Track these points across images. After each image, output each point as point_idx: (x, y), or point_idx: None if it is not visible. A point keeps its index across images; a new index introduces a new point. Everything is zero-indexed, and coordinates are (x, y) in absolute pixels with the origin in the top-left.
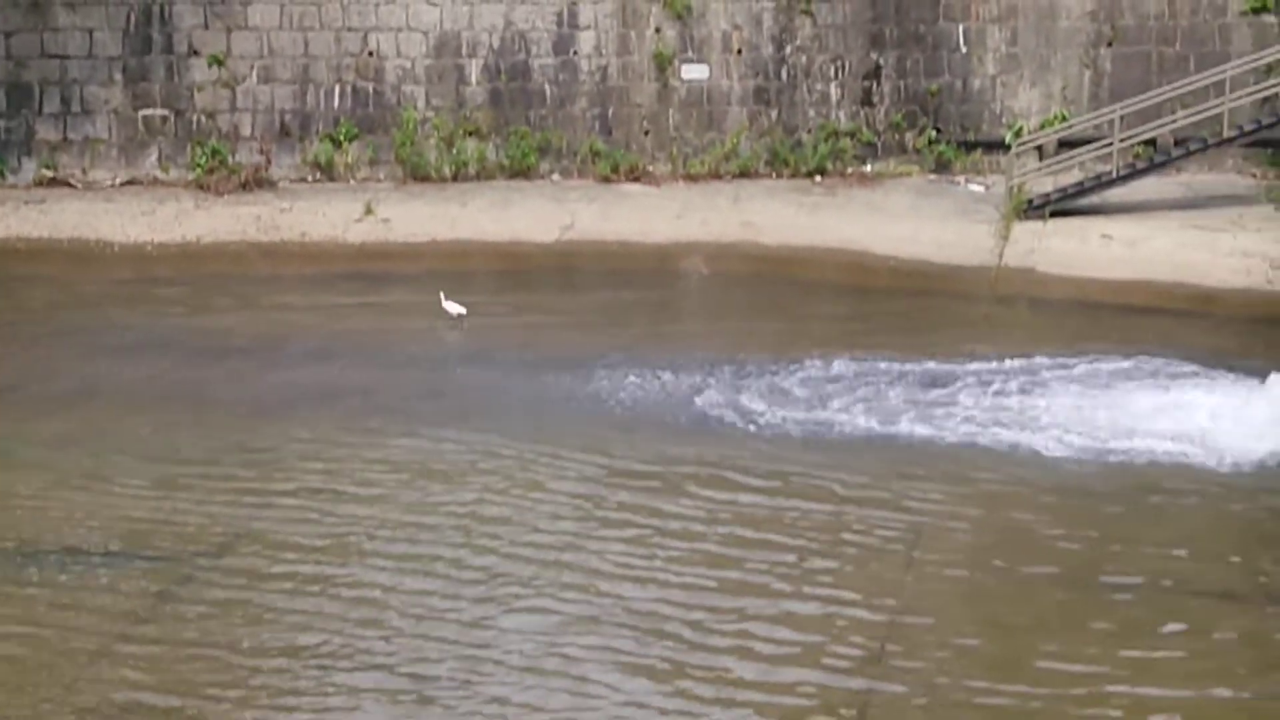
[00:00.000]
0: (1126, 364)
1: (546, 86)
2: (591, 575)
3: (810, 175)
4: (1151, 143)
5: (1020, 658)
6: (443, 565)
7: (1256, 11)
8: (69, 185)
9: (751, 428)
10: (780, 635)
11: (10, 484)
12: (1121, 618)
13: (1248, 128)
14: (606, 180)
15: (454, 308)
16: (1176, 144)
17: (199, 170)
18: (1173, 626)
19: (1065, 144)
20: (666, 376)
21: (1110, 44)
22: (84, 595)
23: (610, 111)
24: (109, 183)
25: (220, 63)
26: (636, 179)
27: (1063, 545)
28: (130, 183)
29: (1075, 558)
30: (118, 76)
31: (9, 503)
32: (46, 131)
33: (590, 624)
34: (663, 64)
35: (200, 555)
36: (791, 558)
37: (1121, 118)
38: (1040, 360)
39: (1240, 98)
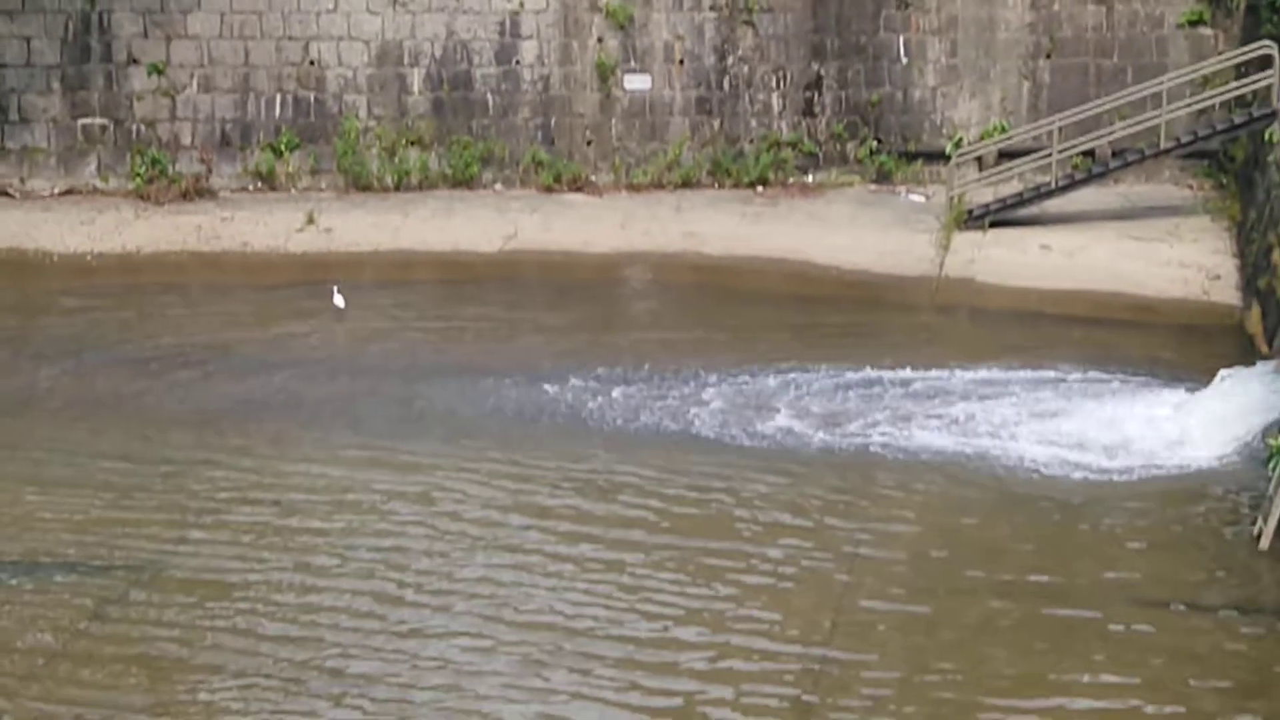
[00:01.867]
0: (1064, 373)
1: (489, 96)
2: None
3: (752, 185)
4: (1090, 154)
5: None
6: (379, 574)
7: (1193, 24)
8: (6, 195)
9: (692, 437)
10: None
11: None
12: (1041, 627)
13: (1184, 139)
14: (549, 190)
15: (340, 300)
16: (1114, 155)
17: (139, 180)
18: (1098, 634)
19: (1005, 155)
20: (607, 386)
21: (1049, 56)
22: (16, 609)
23: (553, 121)
24: (47, 192)
25: (160, 71)
26: (579, 189)
27: (989, 553)
28: (69, 192)
29: (1000, 566)
30: (56, 85)
31: None
32: None
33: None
34: (605, 74)
35: (136, 568)
36: (726, 583)
37: (1060, 129)
38: (978, 370)
39: (1177, 110)
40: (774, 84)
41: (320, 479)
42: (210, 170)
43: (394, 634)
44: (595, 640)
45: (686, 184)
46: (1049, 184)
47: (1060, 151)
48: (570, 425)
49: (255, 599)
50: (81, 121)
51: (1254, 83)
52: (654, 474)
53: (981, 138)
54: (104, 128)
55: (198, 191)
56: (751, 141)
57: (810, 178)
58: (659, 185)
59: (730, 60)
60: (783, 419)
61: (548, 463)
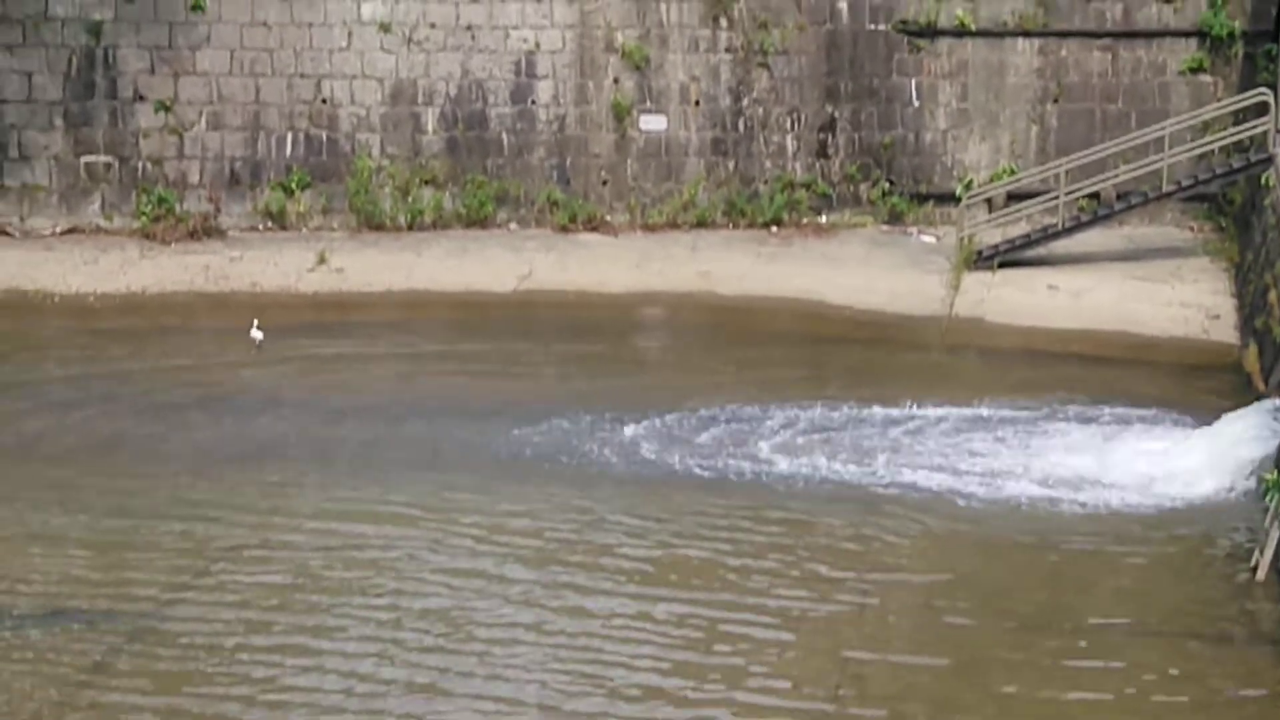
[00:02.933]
0: (1068, 411)
1: (504, 135)
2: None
3: (767, 226)
4: (1095, 196)
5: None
6: (385, 621)
7: (1194, 71)
8: (5, 234)
9: (707, 476)
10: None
11: None
12: (1051, 658)
13: (1185, 183)
14: (564, 230)
15: (257, 335)
16: (1119, 198)
17: (145, 218)
18: (1107, 666)
19: (1013, 197)
20: (621, 426)
21: (1056, 100)
22: (25, 655)
23: (568, 161)
24: (49, 231)
25: (167, 108)
26: (594, 229)
27: (995, 592)
28: (71, 231)
29: (1005, 604)
30: (58, 121)
31: None
32: None
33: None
34: (621, 114)
35: (143, 615)
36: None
37: (1066, 172)
38: (984, 408)
39: (1178, 154)
40: (788, 125)
41: (332, 525)
42: (219, 209)
43: (405, 690)
44: (584, 690)
45: (701, 224)
46: (1056, 226)
47: (1067, 194)
48: (586, 466)
49: (260, 650)
50: (85, 159)
51: (1251, 128)
52: (655, 516)
53: (991, 180)
54: (108, 165)
55: (206, 231)
56: (766, 182)
57: (824, 218)
58: (674, 225)
59: (745, 102)
60: (791, 457)
61: (565, 503)
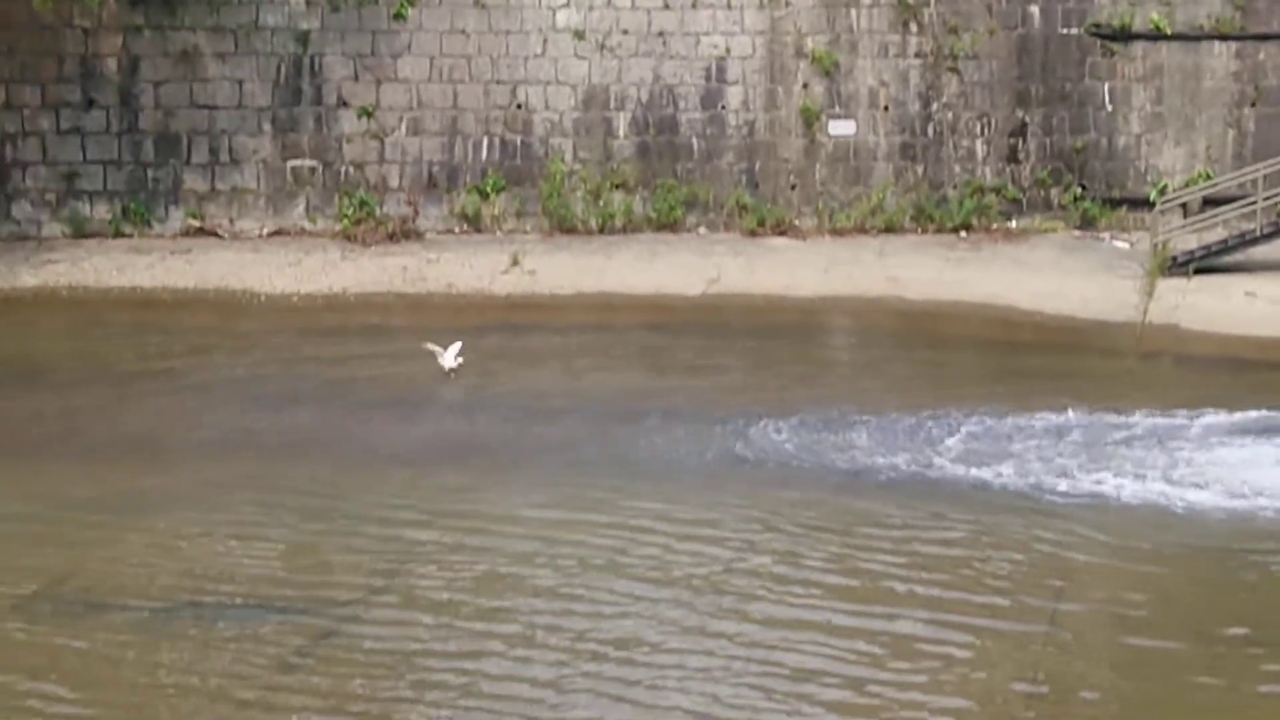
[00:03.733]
0: (1268, 421)
1: (694, 140)
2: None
3: (955, 231)
4: None
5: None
6: (573, 631)
7: None
8: (216, 235)
9: (899, 480)
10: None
11: (154, 535)
12: (1265, 683)
13: None
14: (752, 234)
15: (450, 360)
16: None
17: (346, 221)
18: None
19: (1209, 202)
20: (814, 430)
21: (1254, 104)
22: (221, 649)
23: (757, 166)
24: (256, 233)
25: (369, 114)
26: (782, 233)
27: (1201, 604)
28: (277, 233)
29: (1202, 619)
30: (267, 127)
31: (152, 554)
32: (194, 181)
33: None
34: (810, 119)
35: (346, 607)
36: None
37: (1265, 176)
38: (1181, 417)
39: None
40: (978, 130)
41: (523, 528)
42: (417, 212)
43: (591, 698)
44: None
45: (890, 229)
46: (1254, 231)
47: (1266, 199)
48: (773, 471)
49: (457, 652)
50: (291, 163)
51: None
52: (849, 519)
53: (1186, 185)
54: (313, 169)
55: (404, 233)
56: (955, 187)
57: (1014, 223)
58: (862, 230)
59: (935, 106)
60: (980, 465)
61: (749, 512)
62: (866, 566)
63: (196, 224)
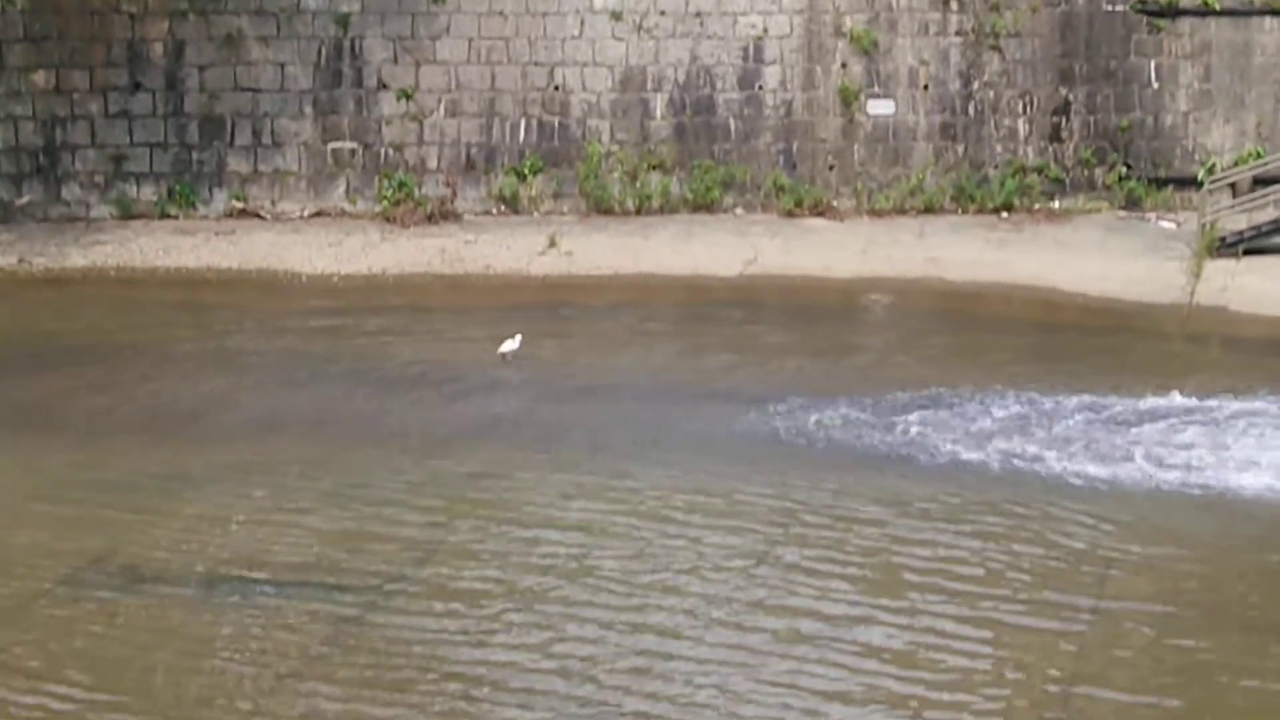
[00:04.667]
0: None
1: (731, 121)
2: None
3: (997, 211)
4: None
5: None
6: (649, 600)
7: None
8: (258, 216)
9: (942, 463)
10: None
11: (196, 511)
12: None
13: None
14: (790, 215)
15: (505, 345)
16: None
17: (385, 202)
18: None
19: (1259, 181)
20: (857, 413)
21: None
22: (264, 625)
23: (794, 146)
24: (297, 214)
25: (408, 96)
26: (820, 214)
27: (1241, 592)
28: (318, 214)
29: (1251, 603)
30: (308, 110)
31: (195, 531)
32: (237, 163)
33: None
34: (848, 99)
35: (382, 585)
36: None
37: None
38: (1230, 400)
39: None
40: (1020, 109)
41: (560, 509)
42: (455, 193)
43: (660, 676)
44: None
45: (929, 210)
46: None
47: None
48: (814, 453)
49: (497, 627)
50: (332, 145)
51: None
52: (885, 501)
53: (1235, 164)
54: (353, 151)
55: (442, 214)
56: (996, 167)
57: (1056, 204)
58: (901, 211)
59: (975, 85)
60: (1024, 447)
61: (830, 489)
62: (896, 552)
63: (240, 205)
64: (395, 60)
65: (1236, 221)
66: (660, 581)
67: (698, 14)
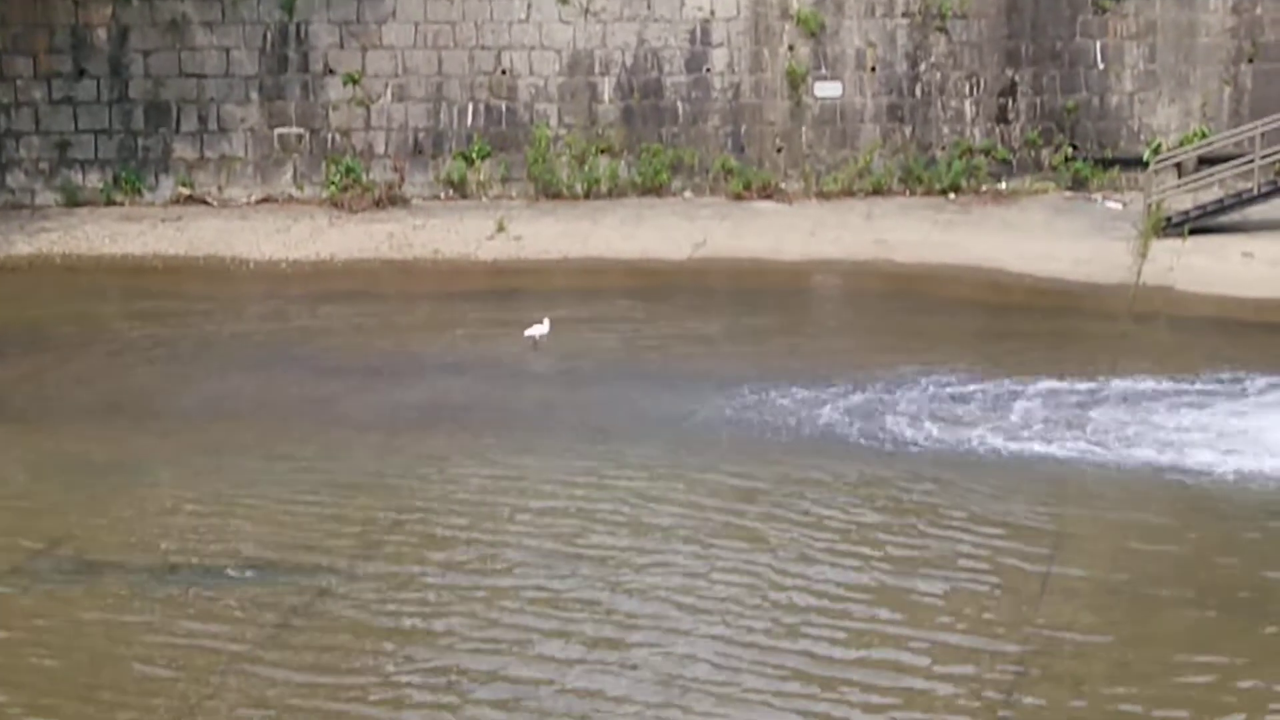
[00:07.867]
0: (1268, 383)
1: (679, 104)
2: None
3: (944, 193)
4: None
5: (1158, 674)
6: (591, 580)
7: None
8: (205, 203)
9: (889, 447)
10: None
11: (142, 500)
12: (1256, 641)
13: None
14: (739, 198)
15: (538, 330)
16: None
17: (333, 188)
18: None
19: (1205, 161)
20: (803, 394)
21: (1251, 60)
22: (216, 610)
23: (743, 129)
24: (244, 200)
25: (355, 81)
26: (769, 196)
27: (1194, 567)
28: (265, 200)
29: (1194, 579)
30: (254, 95)
31: (141, 519)
32: (184, 150)
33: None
34: (795, 81)
35: (330, 572)
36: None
37: (1263, 134)
38: (1178, 380)
39: None
40: (967, 90)
41: (510, 495)
42: (403, 179)
43: (593, 667)
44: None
45: (877, 191)
46: (1251, 190)
47: (1263, 157)
48: (773, 436)
49: (446, 612)
50: (278, 131)
51: None
52: (835, 483)
53: (1181, 144)
54: (300, 137)
55: (390, 200)
56: (943, 148)
57: (1003, 185)
58: (849, 193)
59: (922, 67)
60: (972, 429)
61: (779, 468)
62: (861, 522)
63: (186, 192)
64: (341, 45)
65: (1182, 201)
66: (599, 554)
67: None
